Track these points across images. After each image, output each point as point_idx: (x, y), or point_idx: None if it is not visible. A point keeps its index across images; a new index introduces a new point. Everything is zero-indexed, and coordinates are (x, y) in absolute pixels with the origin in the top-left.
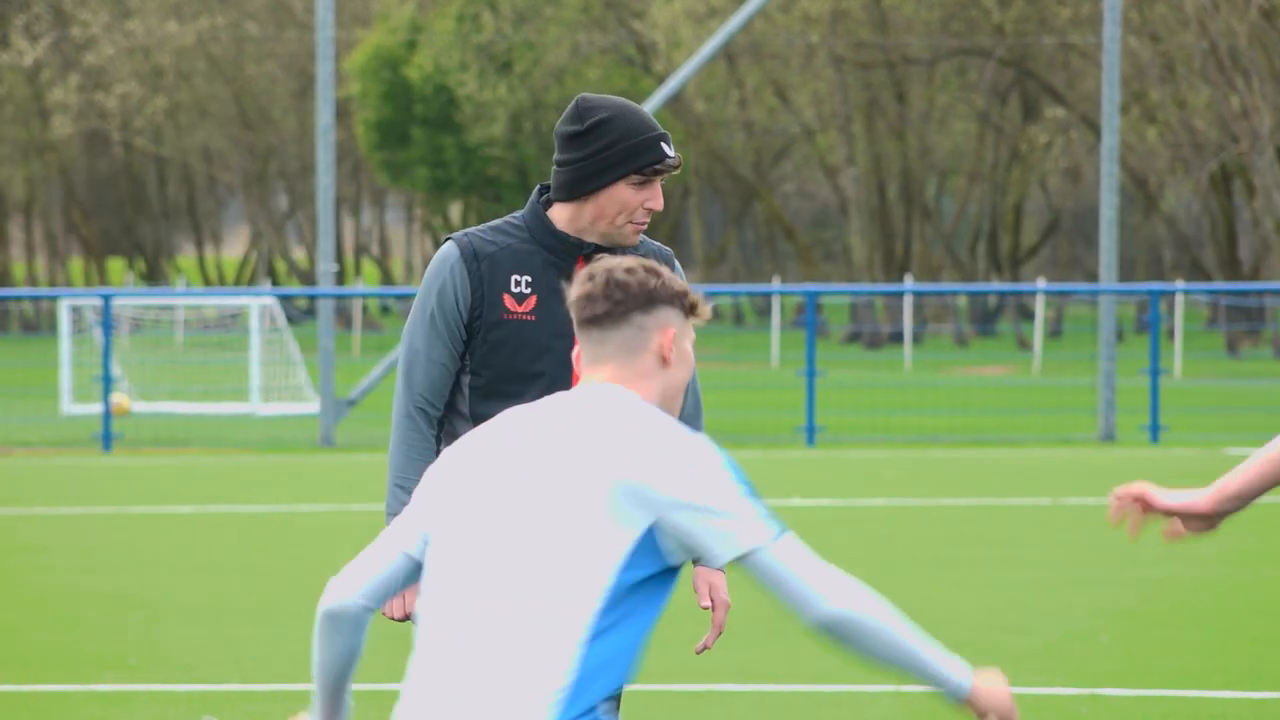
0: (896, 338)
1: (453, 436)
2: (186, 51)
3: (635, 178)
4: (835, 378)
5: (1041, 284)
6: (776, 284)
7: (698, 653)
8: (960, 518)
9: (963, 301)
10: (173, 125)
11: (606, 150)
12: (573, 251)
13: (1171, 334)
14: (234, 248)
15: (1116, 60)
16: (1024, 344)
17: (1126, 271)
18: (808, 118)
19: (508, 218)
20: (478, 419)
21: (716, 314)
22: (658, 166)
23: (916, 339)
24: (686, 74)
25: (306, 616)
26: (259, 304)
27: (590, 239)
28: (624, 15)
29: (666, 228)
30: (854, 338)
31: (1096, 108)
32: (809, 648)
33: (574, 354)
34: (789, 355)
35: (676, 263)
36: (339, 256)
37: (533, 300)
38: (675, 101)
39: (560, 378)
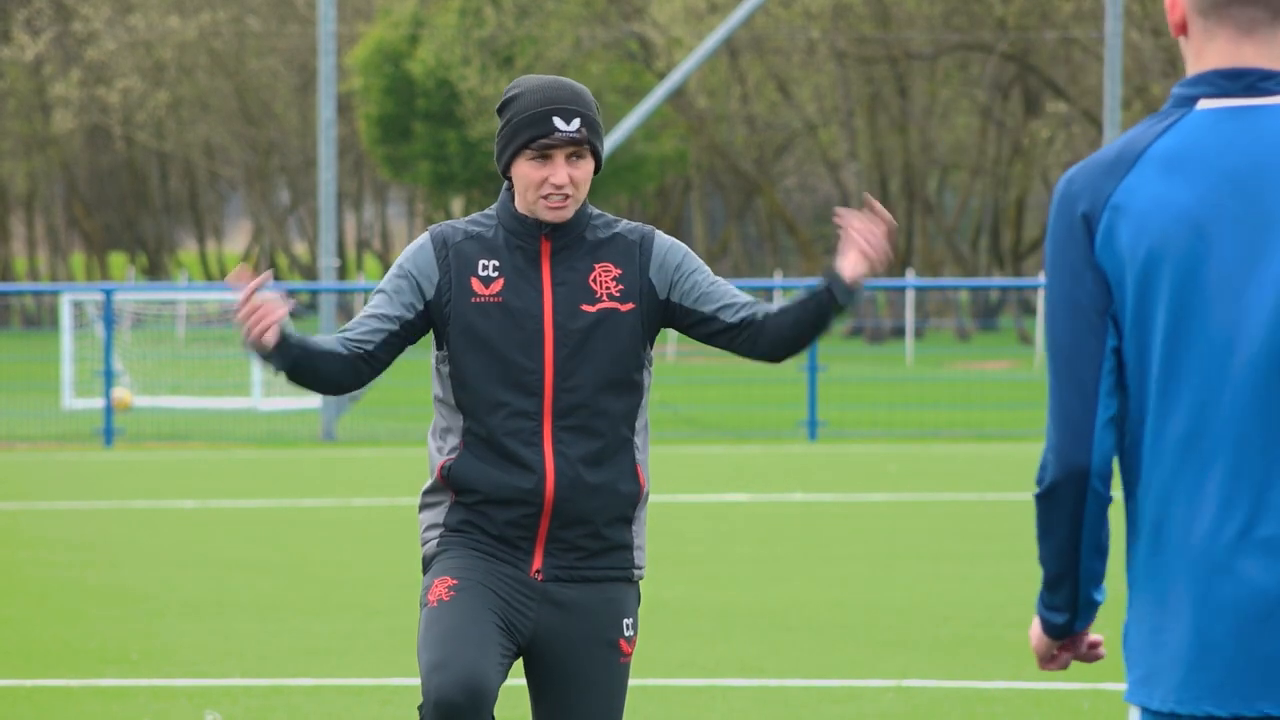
0: (898, 332)
1: (441, 428)
2: (188, 46)
3: (530, 153)
4: (837, 372)
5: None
6: (778, 278)
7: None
8: (962, 512)
9: (964, 296)
10: (174, 120)
11: (504, 127)
12: (533, 232)
13: None
14: (236, 242)
15: (1119, 54)
16: (1026, 339)
17: None
18: (809, 112)
19: (487, 210)
20: (463, 407)
21: None
22: (544, 141)
23: (918, 334)
24: (688, 69)
25: (308, 611)
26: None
27: (536, 217)
28: (626, 10)
29: (669, 222)
30: (856, 332)
31: (1098, 102)
32: (810, 642)
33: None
34: None
35: (659, 234)
36: (341, 251)
37: (500, 283)
38: (677, 96)
39: (531, 360)
